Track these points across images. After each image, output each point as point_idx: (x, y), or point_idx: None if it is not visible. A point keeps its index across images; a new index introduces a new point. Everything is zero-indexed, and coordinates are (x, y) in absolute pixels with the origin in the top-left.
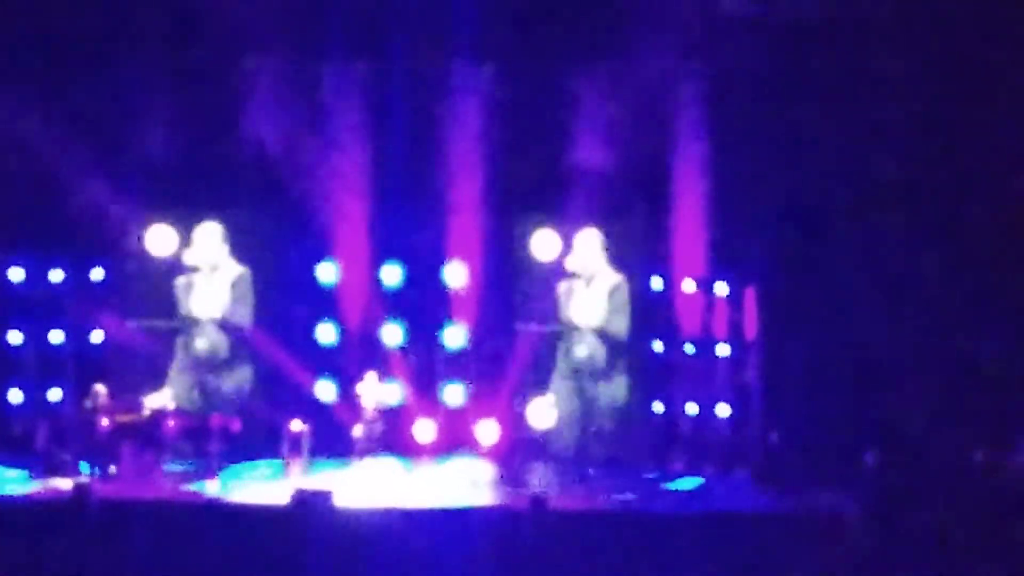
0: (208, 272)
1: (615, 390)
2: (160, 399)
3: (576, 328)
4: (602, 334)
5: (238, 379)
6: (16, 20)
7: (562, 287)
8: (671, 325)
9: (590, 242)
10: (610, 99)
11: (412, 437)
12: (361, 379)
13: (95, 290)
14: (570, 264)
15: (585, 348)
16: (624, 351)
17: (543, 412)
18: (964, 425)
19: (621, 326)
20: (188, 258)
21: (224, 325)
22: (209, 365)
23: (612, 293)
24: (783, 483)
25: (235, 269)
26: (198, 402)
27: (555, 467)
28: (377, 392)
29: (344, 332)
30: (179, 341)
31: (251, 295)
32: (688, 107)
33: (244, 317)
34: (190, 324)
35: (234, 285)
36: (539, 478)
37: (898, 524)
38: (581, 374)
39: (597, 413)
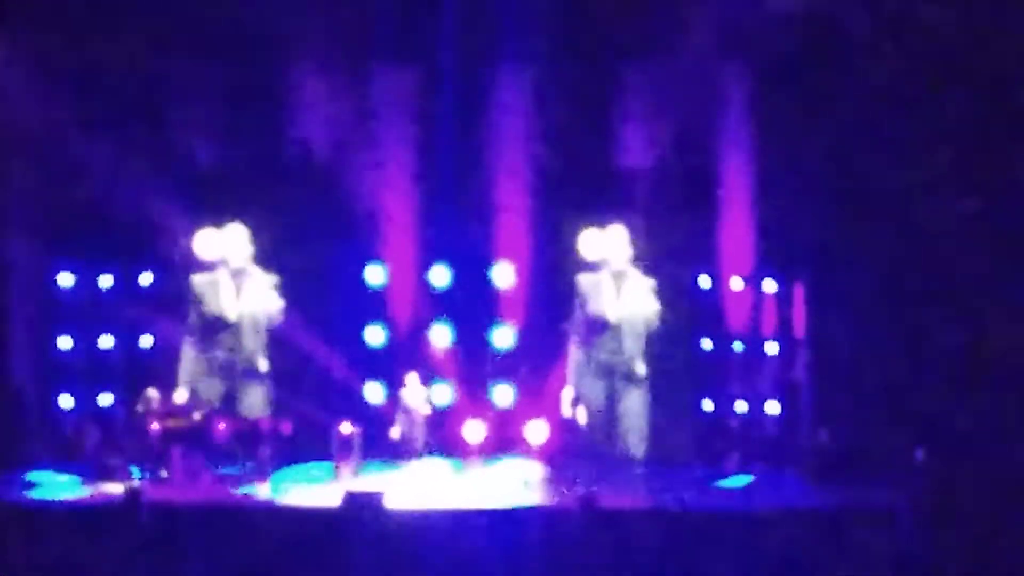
0: (240, 273)
1: (645, 389)
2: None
3: (613, 325)
4: (644, 331)
5: (267, 383)
6: (65, 32)
7: (587, 281)
8: (720, 323)
9: (620, 238)
10: (656, 98)
11: (462, 438)
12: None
13: (144, 295)
14: (613, 261)
15: (622, 345)
16: (657, 349)
17: (581, 411)
18: (1015, 421)
19: (655, 325)
20: (233, 259)
21: (271, 328)
22: (245, 369)
23: (652, 292)
24: (833, 480)
25: (266, 274)
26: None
27: (603, 466)
28: (420, 393)
29: (393, 334)
30: (193, 341)
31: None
32: (735, 105)
33: (277, 321)
34: (227, 326)
35: (272, 289)
36: (588, 477)
37: (948, 520)
38: (615, 371)
39: (633, 412)
